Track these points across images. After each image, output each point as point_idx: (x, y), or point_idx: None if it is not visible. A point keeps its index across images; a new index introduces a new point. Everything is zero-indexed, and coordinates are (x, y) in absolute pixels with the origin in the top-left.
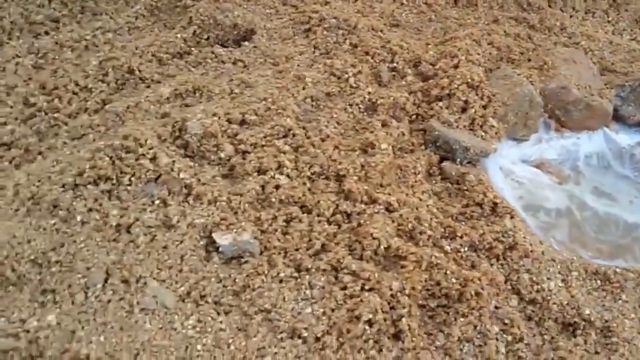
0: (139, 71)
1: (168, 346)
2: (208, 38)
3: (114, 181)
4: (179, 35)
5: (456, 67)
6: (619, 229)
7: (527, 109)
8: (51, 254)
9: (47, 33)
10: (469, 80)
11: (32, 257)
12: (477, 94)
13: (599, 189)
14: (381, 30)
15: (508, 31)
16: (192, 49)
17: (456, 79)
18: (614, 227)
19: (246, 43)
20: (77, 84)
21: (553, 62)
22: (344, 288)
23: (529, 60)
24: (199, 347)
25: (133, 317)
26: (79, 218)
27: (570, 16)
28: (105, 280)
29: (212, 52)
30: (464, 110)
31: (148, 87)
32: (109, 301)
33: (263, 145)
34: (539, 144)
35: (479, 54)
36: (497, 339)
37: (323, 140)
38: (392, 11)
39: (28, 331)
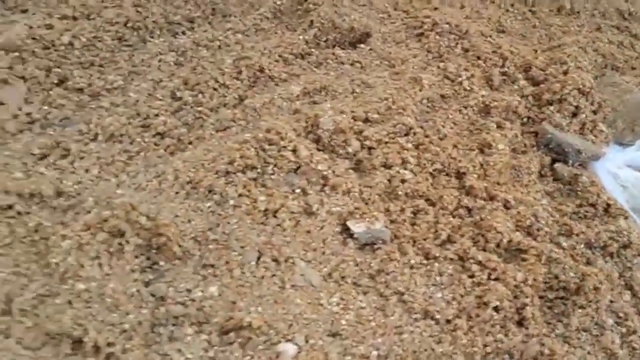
0: (269, 70)
1: (316, 319)
2: (327, 40)
3: (259, 170)
4: (301, 37)
5: (566, 73)
6: None
7: (636, 116)
8: (209, 233)
9: (183, 32)
10: (580, 86)
11: (193, 235)
12: (587, 100)
13: None
14: (490, 36)
15: (611, 39)
16: (313, 50)
17: (567, 85)
18: None
19: (362, 45)
20: (216, 81)
21: None
22: (472, 276)
23: (633, 68)
24: (343, 322)
25: (285, 292)
26: (231, 202)
27: None
28: (258, 258)
29: (333, 54)
30: (574, 114)
31: (277, 85)
32: (262, 277)
33: (387, 142)
34: None
35: (586, 60)
36: (612, 331)
37: (441, 139)
38: (499, 17)
39: (194, 300)
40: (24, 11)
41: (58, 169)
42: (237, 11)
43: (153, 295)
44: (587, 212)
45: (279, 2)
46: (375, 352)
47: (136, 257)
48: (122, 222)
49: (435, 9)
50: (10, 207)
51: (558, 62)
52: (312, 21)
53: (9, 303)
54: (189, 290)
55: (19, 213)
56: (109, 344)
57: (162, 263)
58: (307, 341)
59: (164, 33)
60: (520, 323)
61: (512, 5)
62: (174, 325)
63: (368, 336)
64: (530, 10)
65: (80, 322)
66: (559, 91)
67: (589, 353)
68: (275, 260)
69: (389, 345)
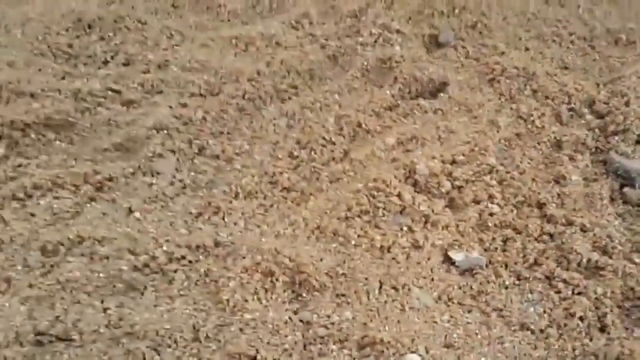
0: (365, 124)
1: (433, 334)
2: (410, 92)
3: (372, 213)
4: (388, 92)
5: (627, 104)
6: None
7: None
8: (338, 269)
9: (290, 98)
10: None
11: (325, 271)
12: None
13: None
14: (555, 75)
15: None
16: (400, 102)
17: (630, 116)
18: None
19: (441, 94)
20: (323, 138)
21: None
22: (558, 292)
23: None
24: (454, 335)
25: (405, 313)
26: (352, 242)
27: None
28: (380, 287)
29: (417, 104)
30: (638, 142)
31: (373, 137)
32: (385, 302)
33: (474, 181)
34: None
35: None
36: None
37: (521, 174)
38: (561, 55)
39: (333, 323)
40: (159, 92)
41: (212, 224)
42: (331, 74)
43: (301, 321)
44: None
45: (365, 63)
46: (482, 359)
47: (284, 291)
48: (272, 264)
49: (503, 53)
50: (183, 257)
51: (619, 94)
52: (395, 77)
53: (196, 332)
54: (328, 316)
55: (190, 261)
56: None
57: (304, 294)
58: (427, 352)
59: (274, 101)
60: (602, 329)
61: (572, 42)
62: (321, 343)
63: (476, 346)
64: (589, 45)
65: (253, 344)
66: (622, 122)
67: None
68: (394, 288)
69: (494, 353)
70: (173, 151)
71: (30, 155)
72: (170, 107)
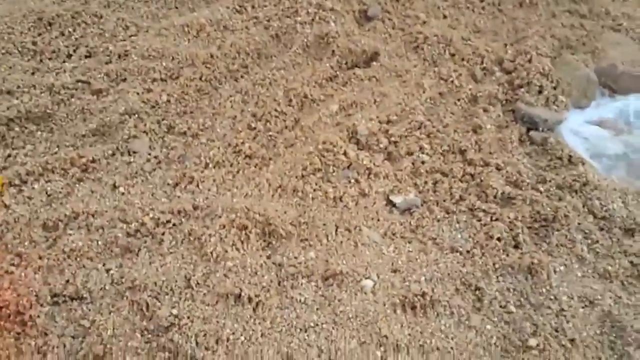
0: (310, 95)
1: (382, 263)
2: (346, 63)
3: (323, 171)
4: (327, 65)
5: (530, 61)
6: None
7: (586, 85)
8: (300, 219)
9: (242, 77)
10: (541, 70)
11: (290, 222)
12: (548, 79)
13: None
14: (469, 39)
15: (565, 23)
16: (338, 73)
17: (532, 71)
18: None
19: (374, 63)
20: (275, 110)
21: (602, 46)
22: (479, 220)
23: (584, 44)
24: (399, 262)
25: (358, 249)
26: (310, 196)
27: (613, 0)
28: (336, 230)
29: (354, 74)
30: (540, 92)
31: (318, 105)
32: (341, 241)
33: (406, 136)
34: (597, 108)
35: (545, 47)
36: (580, 243)
37: (445, 127)
38: (474, 20)
39: (300, 262)
40: (124, 80)
41: (189, 192)
42: (276, 52)
43: (274, 263)
44: (555, 163)
45: (305, 40)
46: (422, 278)
47: (257, 240)
48: (244, 219)
49: (424, 23)
50: (168, 221)
51: (523, 53)
52: (333, 51)
53: (188, 281)
54: (295, 257)
55: (174, 224)
56: (256, 296)
57: (274, 242)
58: (378, 277)
59: (228, 80)
60: (516, 246)
61: (483, 8)
62: (292, 279)
63: (417, 269)
64: (498, 9)
65: (237, 285)
66: (526, 77)
67: (566, 259)
68: (347, 229)
69: (431, 273)
70: (145, 132)
71: (17, 146)
72: (137, 93)
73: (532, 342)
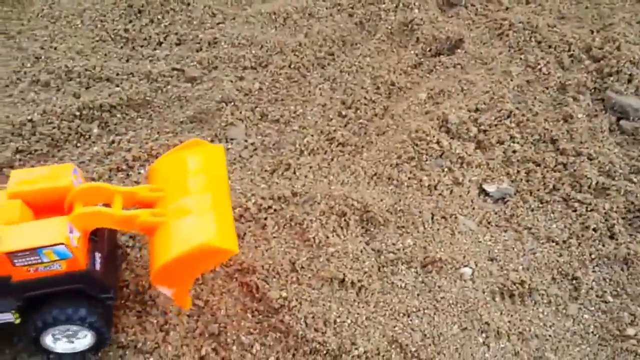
0: (397, 82)
1: (479, 251)
2: (431, 50)
3: (417, 159)
4: (412, 52)
5: (618, 48)
6: None
7: None
8: (396, 206)
9: (329, 64)
10: (631, 58)
11: (387, 209)
12: (638, 68)
13: None
14: (555, 25)
15: None
16: (422, 60)
17: (621, 59)
18: None
19: (458, 50)
20: (364, 98)
21: None
22: (575, 210)
23: None
24: (495, 250)
25: (455, 237)
26: (405, 184)
27: None
28: (432, 218)
29: (439, 61)
30: (629, 81)
31: (405, 93)
32: (438, 229)
33: (496, 125)
34: None
35: (632, 34)
36: None
37: (535, 115)
38: (558, 6)
39: (399, 249)
40: (215, 68)
41: (286, 178)
42: (360, 39)
43: (373, 250)
44: None
45: (389, 27)
46: (520, 266)
47: (356, 227)
48: (343, 206)
49: (507, 9)
50: (270, 207)
51: (611, 40)
52: (417, 38)
53: (293, 265)
54: (394, 244)
55: (275, 210)
56: (359, 281)
57: (372, 229)
58: (476, 265)
59: (316, 68)
60: (611, 237)
61: None
62: (392, 265)
63: (513, 258)
64: None
65: (340, 270)
66: (616, 65)
67: None
68: (443, 217)
69: (528, 262)
70: (241, 119)
71: (120, 132)
72: (231, 81)
73: (630, 331)
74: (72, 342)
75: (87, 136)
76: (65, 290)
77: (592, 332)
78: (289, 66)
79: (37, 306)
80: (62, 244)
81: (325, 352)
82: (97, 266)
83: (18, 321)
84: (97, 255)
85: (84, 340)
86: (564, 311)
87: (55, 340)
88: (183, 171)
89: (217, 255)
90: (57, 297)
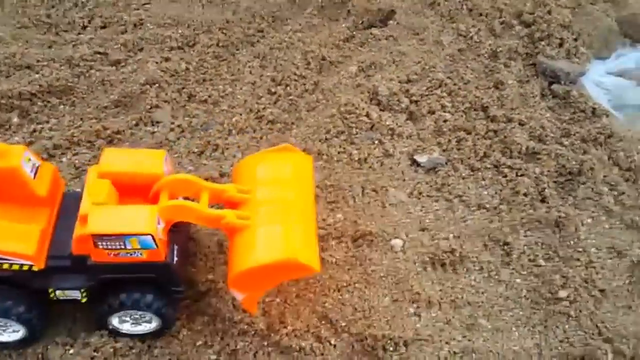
0: (328, 57)
1: (410, 222)
2: (363, 22)
3: (346, 133)
4: (343, 25)
5: (549, 12)
6: None
7: (607, 36)
8: (326, 181)
9: (258, 41)
10: (561, 22)
11: (316, 185)
12: (568, 32)
13: None
14: None
15: None
16: (355, 33)
17: (552, 23)
18: None
19: (390, 22)
20: (294, 74)
21: None
22: (505, 176)
23: None
24: (427, 220)
25: (386, 209)
26: (335, 158)
27: None
28: (362, 191)
29: (371, 33)
30: (560, 45)
31: (337, 67)
32: (368, 202)
33: (427, 95)
34: (619, 58)
35: None
36: (607, 195)
37: (466, 84)
38: None
39: (330, 224)
40: (141, 50)
41: (214, 159)
42: (291, 14)
43: None
44: (579, 116)
45: (320, 1)
46: (451, 235)
47: None
48: None
49: None
50: None
51: (542, 4)
52: (348, 10)
53: (220, 245)
54: (324, 219)
55: None
56: None
57: None
58: (407, 236)
59: (245, 45)
60: (542, 201)
61: None
62: (322, 241)
63: (444, 227)
64: None
65: None
66: (546, 29)
67: (592, 212)
68: (374, 190)
69: (459, 230)
70: (167, 101)
71: (42, 120)
72: (156, 62)
73: (562, 293)
74: (138, 325)
75: (7, 126)
76: (139, 277)
77: (525, 297)
78: (217, 45)
79: (107, 288)
80: (150, 234)
81: (253, 332)
82: (175, 259)
83: (85, 300)
84: (175, 247)
85: (149, 324)
86: (496, 277)
87: (122, 322)
88: (271, 176)
89: (298, 271)
90: (129, 281)
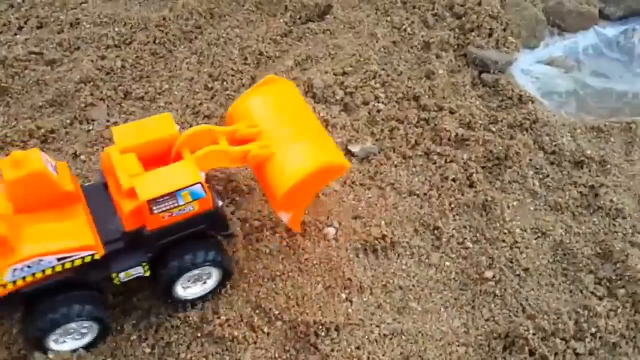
0: (266, 52)
1: (342, 210)
2: (300, 17)
3: None
4: (281, 20)
5: (479, 4)
6: (613, 97)
7: (534, 25)
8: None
9: (196, 38)
10: (490, 13)
11: (251, 177)
12: (497, 22)
13: (596, 71)
14: None
15: None
16: (292, 28)
17: (482, 14)
18: (609, 97)
19: (327, 16)
20: (232, 69)
21: None
22: (435, 163)
23: None
24: (359, 208)
25: (319, 199)
26: None
27: None
28: None
29: (308, 28)
30: (490, 35)
31: (274, 62)
32: None
33: (362, 86)
34: (547, 47)
35: None
36: (532, 178)
37: (399, 75)
38: None
39: (264, 216)
40: (77, 49)
41: None
42: (229, 10)
43: (238, 219)
44: (507, 104)
45: None
46: (382, 222)
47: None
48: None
49: None
50: None
51: None
52: (286, 6)
53: None
54: (259, 211)
55: None
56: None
57: (237, 198)
58: (340, 224)
59: (183, 42)
60: (471, 185)
61: None
62: (257, 232)
63: (377, 214)
64: None
65: None
66: (476, 20)
67: (518, 195)
68: None
69: (391, 216)
70: (102, 99)
71: None
72: (92, 60)
73: (488, 274)
74: (203, 283)
75: None
76: (191, 233)
77: (454, 278)
78: (154, 42)
79: (166, 256)
80: (199, 183)
81: (187, 325)
82: (219, 203)
83: (148, 273)
84: (214, 194)
85: (210, 281)
86: (427, 261)
87: (186, 288)
88: (267, 105)
89: (334, 172)
90: (181, 243)
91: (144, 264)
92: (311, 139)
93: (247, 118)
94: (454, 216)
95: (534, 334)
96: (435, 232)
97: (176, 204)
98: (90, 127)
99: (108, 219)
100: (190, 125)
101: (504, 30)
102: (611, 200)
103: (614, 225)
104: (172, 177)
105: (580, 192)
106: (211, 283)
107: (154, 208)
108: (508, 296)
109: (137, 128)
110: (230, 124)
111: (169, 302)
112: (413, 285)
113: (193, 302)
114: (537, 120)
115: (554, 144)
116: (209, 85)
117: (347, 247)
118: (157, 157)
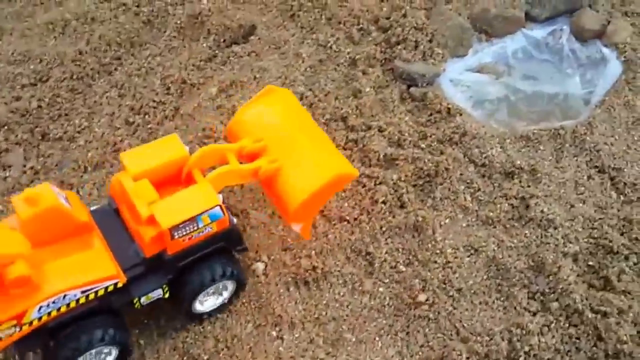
0: (189, 79)
1: (272, 243)
2: (224, 40)
3: None
4: (204, 45)
5: (404, 16)
6: (544, 100)
7: (460, 34)
8: None
9: (115, 69)
10: (415, 25)
11: None
12: (423, 33)
13: (527, 74)
14: (345, 0)
15: None
16: (216, 52)
17: (406, 26)
18: (540, 100)
19: (252, 37)
20: (153, 101)
21: None
22: (364, 186)
23: None
24: (289, 239)
25: (247, 232)
26: None
27: None
28: None
29: (232, 51)
30: (416, 47)
31: (198, 89)
32: None
33: None
34: (476, 54)
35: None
36: (464, 193)
37: (326, 95)
38: None
39: None
40: None
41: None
42: (149, 38)
43: None
44: (435, 117)
45: (178, 22)
46: (313, 252)
47: None
48: None
49: None
50: None
51: (397, 8)
52: (208, 30)
53: None
54: None
55: None
56: None
57: None
58: (269, 258)
59: (102, 75)
60: (402, 206)
61: None
62: None
63: (307, 243)
64: None
65: None
66: (402, 33)
67: (450, 212)
68: (235, 214)
69: (321, 244)
70: (18, 143)
71: None
72: (5, 103)
73: (422, 297)
74: (220, 295)
75: None
76: (210, 252)
77: (388, 304)
78: (71, 77)
79: (184, 276)
80: (218, 205)
81: None
82: (234, 220)
83: (167, 295)
84: (227, 211)
85: (226, 292)
86: (360, 288)
87: (203, 303)
88: (270, 117)
89: (342, 183)
90: (200, 261)
91: (164, 286)
92: (318, 149)
93: (251, 132)
94: (385, 240)
95: (467, 358)
96: (368, 257)
97: (196, 228)
98: (7, 174)
99: (125, 245)
100: (112, 165)
101: (430, 41)
102: (542, 211)
103: (545, 236)
104: (191, 202)
105: (511, 205)
106: (226, 295)
107: (175, 234)
108: (442, 319)
109: (147, 152)
110: (232, 138)
111: (188, 317)
112: (347, 315)
113: (210, 314)
114: (466, 133)
115: (484, 156)
116: (131, 120)
117: (277, 282)
118: (168, 179)
